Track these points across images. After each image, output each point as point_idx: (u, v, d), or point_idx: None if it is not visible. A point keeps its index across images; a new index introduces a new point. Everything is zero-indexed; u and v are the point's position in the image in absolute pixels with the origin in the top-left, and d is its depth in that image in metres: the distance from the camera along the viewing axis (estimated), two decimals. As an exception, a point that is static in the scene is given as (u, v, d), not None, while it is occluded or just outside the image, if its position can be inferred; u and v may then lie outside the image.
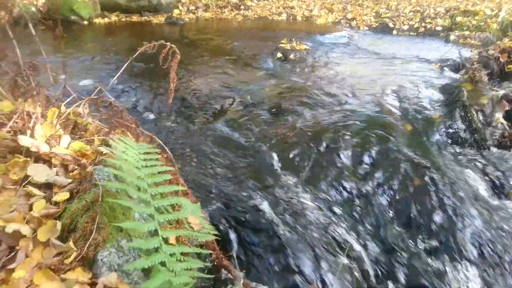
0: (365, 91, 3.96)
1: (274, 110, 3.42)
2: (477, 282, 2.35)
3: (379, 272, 2.27)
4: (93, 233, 1.27)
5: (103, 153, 1.70)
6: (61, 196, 1.43)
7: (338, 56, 5.48)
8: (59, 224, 1.33)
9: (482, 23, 6.88)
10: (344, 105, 3.57)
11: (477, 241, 2.48)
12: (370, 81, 4.27)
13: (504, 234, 2.57)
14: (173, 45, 1.97)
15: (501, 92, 3.88)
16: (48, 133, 1.70)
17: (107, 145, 1.70)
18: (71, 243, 1.27)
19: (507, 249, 2.52)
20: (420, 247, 2.42)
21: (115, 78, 2.17)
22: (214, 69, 4.42)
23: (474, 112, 3.53)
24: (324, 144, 2.93)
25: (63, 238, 1.32)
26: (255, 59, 5.15)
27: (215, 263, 1.75)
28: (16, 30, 2.00)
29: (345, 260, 2.09)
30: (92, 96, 2.03)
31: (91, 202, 1.36)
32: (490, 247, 2.46)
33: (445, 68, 4.84)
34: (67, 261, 1.22)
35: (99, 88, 2.16)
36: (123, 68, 2.22)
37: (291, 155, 2.82)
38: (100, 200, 1.36)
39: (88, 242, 1.25)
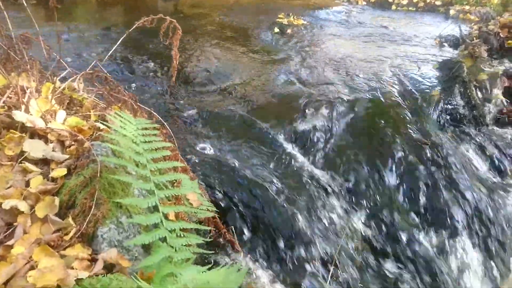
0: (363, 66, 3.90)
1: (272, 85, 3.37)
2: (475, 256, 2.38)
3: (378, 246, 2.29)
4: (92, 209, 1.26)
5: (100, 128, 1.67)
6: (59, 172, 1.40)
7: (336, 32, 5.39)
8: (57, 200, 1.31)
9: (483, -2, 6.75)
10: (341, 81, 3.53)
11: (475, 217, 2.51)
12: (368, 56, 4.21)
13: (501, 209, 2.59)
14: (173, 20, 1.91)
15: (501, 68, 3.84)
16: (43, 108, 1.66)
17: (104, 120, 1.67)
18: (70, 220, 1.26)
19: (504, 224, 2.55)
20: (419, 222, 2.44)
21: (110, 52, 2.11)
22: (211, 44, 4.33)
23: (474, 88, 3.50)
24: (322, 120, 2.90)
25: (61, 214, 1.30)
26: (252, 34, 5.05)
27: (219, 238, 1.76)
28: (7, 2, 1.93)
29: (344, 236, 2.10)
30: (87, 70, 1.98)
31: (89, 178, 1.34)
32: (488, 223, 2.49)
33: (444, 43, 4.78)
34: (66, 238, 1.21)
35: (94, 62, 2.10)
36: (118, 42, 2.16)
37: (291, 130, 2.79)
38: (98, 176, 1.33)
39: (88, 218, 1.24)
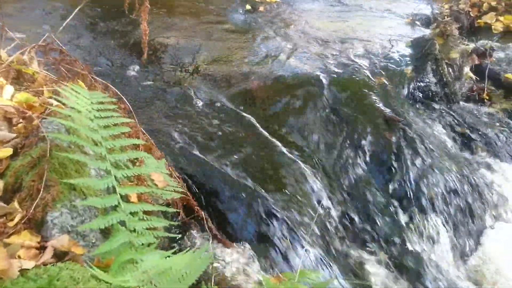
0: (335, 44, 3.83)
1: (240, 65, 3.25)
2: (444, 231, 2.39)
3: (350, 225, 2.26)
4: (41, 192, 1.13)
5: (54, 105, 1.52)
6: (4, 152, 1.26)
7: (309, 9, 5.28)
8: (1, 183, 1.18)
9: (453, -23, 6.78)
10: (312, 59, 3.44)
11: (445, 193, 2.51)
12: (341, 34, 4.14)
13: (471, 185, 2.61)
14: None
15: (471, 46, 3.85)
16: (-13, 83, 1.50)
17: (57, 94, 1.52)
18: (15, 204, 1.13)
19: (473, 199, 2.57)
20: (390, 199, 2.43)
21: (65, 22, 1.94)
22: (178, 22, 4.13)
23: (445, 66, 3.50)
24: (293, 99, 2.82)
25: (6, 198, 1.17)
26: (223, 11, 4.87)
27: (188, 219, 1.66)
28: None
29: (318, 213, 2.05)
30: (39, 42, 1.81)
31: (37, 158, 1.21)
32: (457, 199, 2.50)
33: (416, 22, 4.76)
34: (11, 224, 1.08)
35: (47, 35, 1.92)
36: (74, 12, 1.99)
37: (260, 109, 2.70)
38: (48, 155, 1.20)
39: (35, 202, 1.11)
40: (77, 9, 1.78)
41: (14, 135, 1.36)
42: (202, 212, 1.68)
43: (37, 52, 1.79)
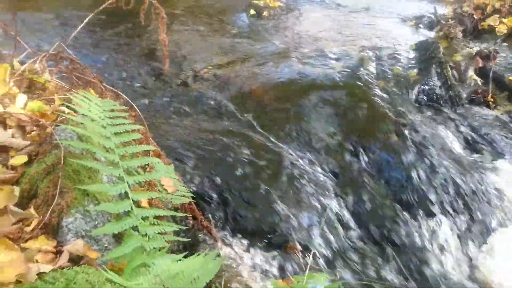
0: (340, 49, 3.86)
1: (247, 70, 3.28)
2: (450, 234, 2.40)
3: (357, 228, 2.27)
4: (56, 198, 1.17)
5: (65, 112, 1.56)
6: (18, 159, 1.30)
7: (313, 13, 5.33)
8: (17, 190, 1.21)
9: (457, -20, 6.79)
10: (319, 64, 3.48)
11: (451, 196, 2.52)
12: (345, 38, 4.17)
13: (476, 188, 2.62)
14: (153, 1, 1.80)
15: (475, 49, 3.86)
16: (1, 92, 1.54)
17: (70, 103, 1.56)
18: (31, 210, 1.16)
19: (479, 202, 2.58)
20: (396, 202, 2.44)
21: (75, 32, 1.98)
22: (185, 28, 4.19)
23: (449, 69, 3.51)
24: (299, 103, 2.85)
25: (22, 204, 1.20)
26: (228, 16, 4.92)
27: (194, 225, 1.69)
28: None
29: (325, 218, 2.07)
30: (50, 51, 1.85)
31: (52, 165, 1.24)
32: (463, 201, 2.51)
33: (420, 25, 4.79)
34: (27, 229, 1.11)
35: (58, 43, 1.97)
36: (84, 22, 2.03)
37: (267, 115, 2.73)
38: (62, 162, 1.24)
39: (51, 208, 1.15)
40: (88, 18, 1.82)
41: (28, 142, 1.39)
42: (208, 222, 1.71)
43: (48, 61, 1.83)
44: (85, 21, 1.88)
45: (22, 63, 1.79)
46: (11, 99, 1.55)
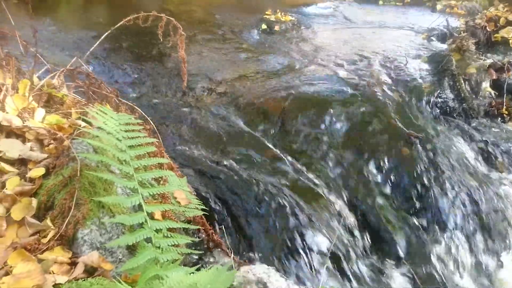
0: (352, 61, 3.87)
1: (260, 85, 3.31)
2: (466, 248, 2.36)
3: (371, 242, 2.25)
4: (72, 210, 1.19)
5: (82, 126, 1.59)
6: (36, 171, 1.33)
7: (324, 27, 5.36)
8: (34, 202, 1.24)
9: (469, -8, 6.79)
10: (331, 77, 3.49)
11: (467, 210, 2.48)
12: (357, 51, 4.18)
13: (492, 201, 2.57)
14: (171, 18, 1.84)
15: (488, 61, 3.84)
16: (20, 106, 1.59)
17: (86, 117, 1.60)
18: (48, 221, 1.19)
19: (495, 216, 2.53)
20: (411, 216, 2.41)
21: (92, 48, 2.03)
22: (198, 43, 4.26)
23: (463, 82, 3.49)
24: (312, 117, 2.86)
25: (39, 216, 1.23)
26: (240, 31, 4.98)
27: (205, 238, 1.69)
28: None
29: (337, 231, 2.06)
30: (67, 67, 1.90)
31: (68, 177, 1.27)
32: (479, 216, 2.47)
33: (432, 37, 4.78)
34: (44, 241, 1.14)
35: (75, 59, 2.03)
36: (101, 38, 2.08)
37: (279, 129, 2.74)
38: (78, 174, 1.26)
39: (67, 220, 1.17)
40: (105, 34, 1.87)
41: (46, 155, 1.42)
42: (220, 234, 1.71)
43: (65, 76, 1.88)
44: (102, 37, 1.93)
45: (41, 78, 1.84)
46: (30, 113, 1.60)
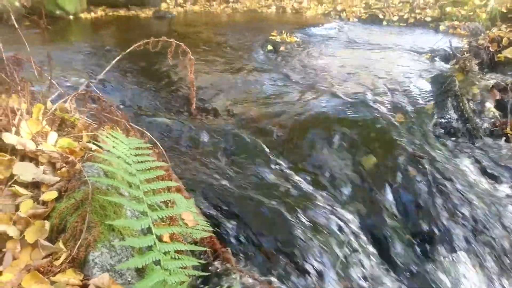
0: (356, 82, 3.93)
1: (265, 106, 3.37)
2: (473, 270, 2.35)
3: (376, 262, 2.25)
4: (83, 233, 1.22)
5: (93, 149, 1.64)
6: (49, 195, 1.37)
7: (328, 48, 5.45)
8: (47, 224, 1.28)
9: (471, 13, 6.89)
10: (335, 97, 3.54)
11: (473, 230, 2.48)
12: (361, 72, 4.24)
13: (499, 222, 2.57)
14: (180, 43, 1.91)
15: (492, 82, 3.88)
16: (34, 130, 1.64)
17: (96, 140, 1.65)
18: (60, 244, 1.22)
19: (503, 236, 2.52)
20: (416, 237, 2.41)
21: (103, 72, 2.10)
22: (205, 63, 4.35)
23: (466, 102, 3.52)
24: (317, 138, 2.90)
25: (52, 238, 1.27)
26: (246, 52, 5.08)
27: (214, 258, 1.72)
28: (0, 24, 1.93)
29: (344, 252, 2.07)
30: (79, 91, 1.97)
31: (80, 200, 1.31)
32: (486, 235, 2.46)
33: (435, 58, 4.84)
34: (56, 263, 1.17)
35: (86, 82, 2.09)
36: (112, 63, 2.16)
37: (285, 149, 2.78)
38: (90, 198, 1.31)
39: (79, 242, 1.20)
40: (116, 59, 1.93)
41: (58, 178, 1.47)
42: (229, 255, 1.73)
43: (77, 100, 1.94)
44: (113, 62, 2.00)
45: (54, 102, 1.90)
46: (44, 137, 1.65)
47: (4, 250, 1.20)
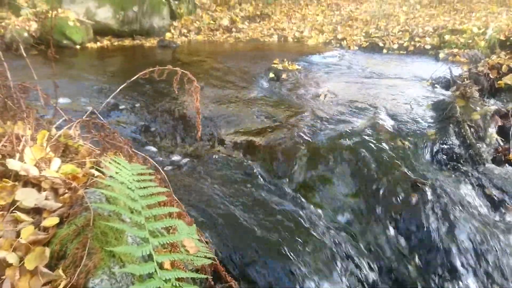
0: (358, 109, 3.96)
1: (268, 134, 3.39)
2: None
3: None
4: (84, 259, 1.21)
5: (95, 175, 1.65)
6: (50, 221, 1.37)
7: (329, 76, 5.52)
8: (47, 251, 1.27)
9: (470, 41, 7.01)
10: (337, 124, 3.57)
11: (477, 258, 2.44)
12: (362, 99, 4.28)
13: (503, 249, 2.53)
14: (186, 71, 1.95)
15: (493, 108, 3.90)
16: (38, 156, 1.66)
17: (99, 166, 1.66)
18: (60, 271, 1.21)
19: (506, 264, 2.48)
20: (418, 265, 2.37)
21: (108, 100, 2.14)
22: (208, 91, 4.41)
23: (468, 128, 3.54)
24: (319, 166, 2.90)
25: (52, 265, 1.26)
26: (248, 80, 5.16)
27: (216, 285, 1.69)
28: (8, 54, 1.98)
29: (346, 283, 2.03)
30: (83, 118, 1.99)
31: (81, 226, 1.30)
32: (490, 264, 2.42)
33: (436, 85, 4.89)
34: (56, 290, 1.16)
35: (90, 110, 2.13)
36: (116, 91, 2.19)
37: (288, 177, 2.78)
38: (91, 224, 1.30)
39: (79, 269, 1.19)
40: (120, 87, 1.97)
41: (60, 204, 1.47)
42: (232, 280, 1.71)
43: (81, 127, 1.97)
44: (117, 90, 2.03)
45: (58, 128, 1.93)
46: (47, 163, 1.66)
47: (3, 277, 1.19)
